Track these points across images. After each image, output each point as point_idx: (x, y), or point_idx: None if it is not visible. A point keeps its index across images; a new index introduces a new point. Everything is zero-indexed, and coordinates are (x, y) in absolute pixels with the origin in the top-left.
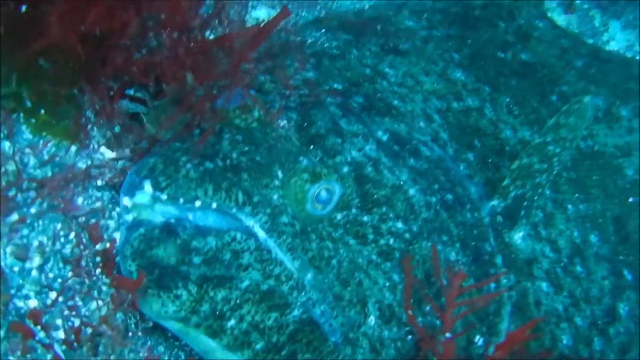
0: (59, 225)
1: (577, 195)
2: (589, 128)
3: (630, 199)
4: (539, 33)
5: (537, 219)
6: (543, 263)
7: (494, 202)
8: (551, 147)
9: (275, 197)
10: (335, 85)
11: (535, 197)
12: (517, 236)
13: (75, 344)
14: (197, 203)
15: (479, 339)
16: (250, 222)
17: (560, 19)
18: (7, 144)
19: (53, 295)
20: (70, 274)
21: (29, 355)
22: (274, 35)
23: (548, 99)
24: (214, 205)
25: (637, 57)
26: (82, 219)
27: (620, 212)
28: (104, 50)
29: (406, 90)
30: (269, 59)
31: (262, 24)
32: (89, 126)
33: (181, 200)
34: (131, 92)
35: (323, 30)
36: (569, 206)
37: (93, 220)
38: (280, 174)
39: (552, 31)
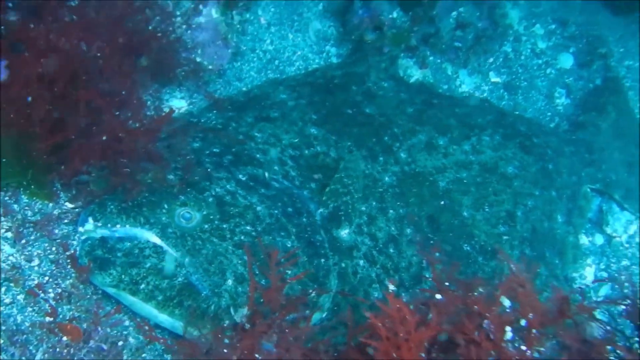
0: (46, 244)
1: (398, 203)
2: (412, 156)
3: (442, 202)
4: (383, 92)
5: (363, 220)
6: (362, 248)
7: (321, 210)
8: (345, 180)
9: (164, 218)
10: (215, 150)
11: (349, 210)
12: (344, 232)
13: (59, 299)
14: (118, 226)
15: (311, 293)
16: (149, 233)
17: (417, 73)
18: (15, 206)
19: (46, 278)
20: (54, 267)
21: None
22: (180, 118)
23: (382, 139)
24: (128, 226)
25: (484, 95)
26: (58, 240)
27: (433, 212)
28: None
29: (268, 147)
30: (173, 136)
31: (162, 115)
32: (59, 192)
33: (109, 225)
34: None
35: (215, 111)
36: (391, 211)
37: (64, 240)
38: (166, 206)
39: (395, 88)
